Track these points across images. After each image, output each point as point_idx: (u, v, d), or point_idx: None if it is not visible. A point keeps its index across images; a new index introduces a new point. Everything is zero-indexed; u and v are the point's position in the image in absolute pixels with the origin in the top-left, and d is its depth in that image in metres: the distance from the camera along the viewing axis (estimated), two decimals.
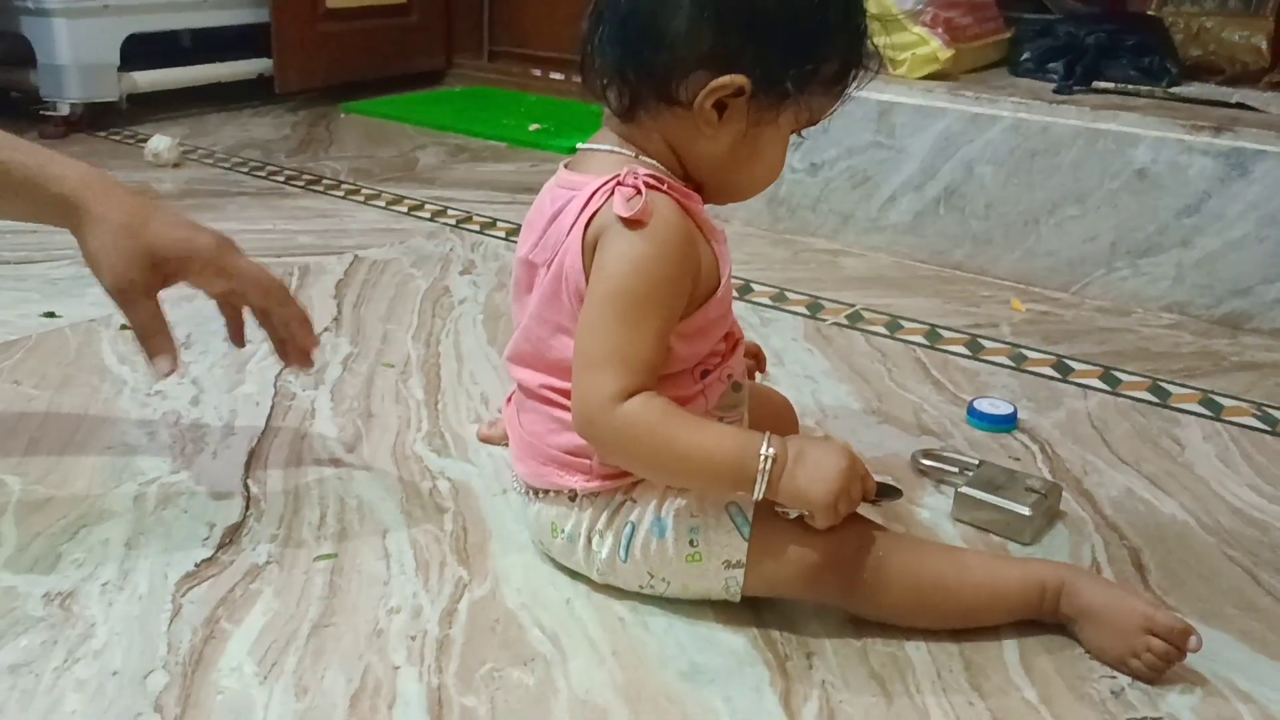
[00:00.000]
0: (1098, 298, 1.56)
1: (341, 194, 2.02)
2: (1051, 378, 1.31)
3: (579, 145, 0.84)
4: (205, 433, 1.10)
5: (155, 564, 0.87)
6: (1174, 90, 1.65)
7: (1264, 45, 1.75)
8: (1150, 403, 1.24)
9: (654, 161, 0.79)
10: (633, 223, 0.74)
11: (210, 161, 2.23)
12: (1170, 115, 1.51)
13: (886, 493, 0.82)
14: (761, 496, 0.75)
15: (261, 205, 1.93)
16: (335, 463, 1.05)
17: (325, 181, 2.10)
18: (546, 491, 0.85)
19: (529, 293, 0.82)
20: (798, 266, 1.69)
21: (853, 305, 1.52)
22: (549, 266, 0.79)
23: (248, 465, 1.04)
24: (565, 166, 0.83)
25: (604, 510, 0.82)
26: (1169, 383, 1.30)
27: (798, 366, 1.31)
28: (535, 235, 0.81)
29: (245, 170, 2.17)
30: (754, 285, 1.59)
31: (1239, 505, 1.02)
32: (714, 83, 0.74)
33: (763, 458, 0.74)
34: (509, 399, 0.91)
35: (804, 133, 0.82)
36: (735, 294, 1.54)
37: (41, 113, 2.38)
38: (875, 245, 1.73)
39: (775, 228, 1.83)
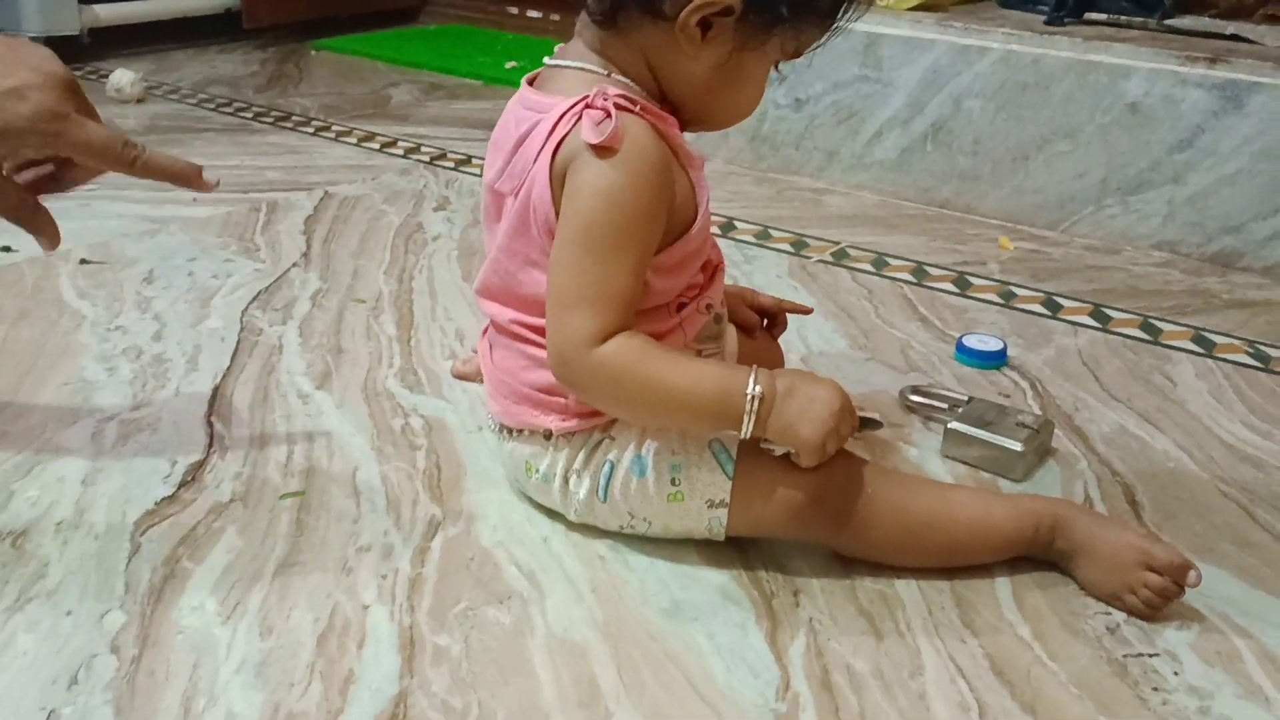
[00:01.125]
0: (1087, 236, 1.53)
1: (311, 130, 1.96)
2: (1041, 315, 1.28)
3: (546, 59, 0.78)
4: (168, 368, 1.06)
5: (113, 502, 0.84)
6: (1167, 22, 1.60)
7: None
8: (1141, 340, 1.22)
9: (627, 80, 0.74)
10: (603, 149, 0.69)
11: (176, 98, 2.16)
12: (1163, 47, 1.47)
13: (867, 424, 0.79)
14: (749, 435, 0.71)
15: (229, 141, 1.86)
16: (304, 399, 1.01)
17: (295, 118, 2.04)
18: (520, 430, 0.81)
19: (498, 221, 0.78)
20: (781, 204, 1.65)
21: (838, 243, 1.48)
22: (516, 195, 0.75)
23: (212, 401, 1.00)
24: (530, 84, 0.78)
25: (581, 449, 0.79)
26: (1160, 320, 1.27)
27: None
28: (502, 160, 0.76)
29: (212, 106, 2.10)
30: (737, 223, 1.55)
31: (1232, 442, 1.00)
32: None
33: (749, 396, 0.70)
34: (484, 333, 0.87)
35: (783, 68, 0.78)
36: (718, 231, 1.50)
37: None
38: (861, 183, 1.69)
39: (758, 165, 1.78)
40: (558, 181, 0.72)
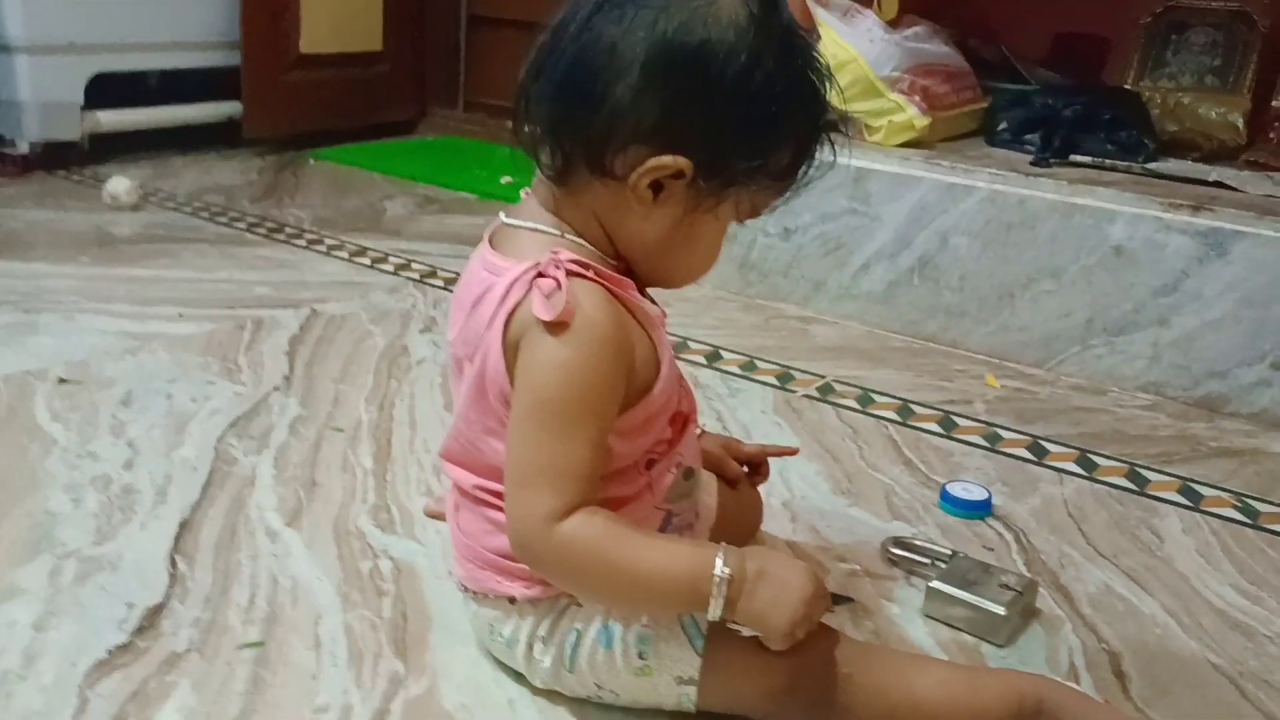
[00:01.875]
0: (1073, 375, 1.52)
1: (304, 243, 1.97)
2: (1027, 460, 1.26)
3: (503, 216, 0.77)
4: (135, 500, 1.03)
5: (65, 650, 0.81)
6: (1151, 166, 1.63)
7: (1240, 123, 1.74)
8: (1128, 490, 1.20)
9: (581, 241, 0.73)
10: (555, 325, 0.68)
11: (171, 205, 2.18)
12: (1147, 192, 1.49)
13: (839, 600, 0.77)
14: (717, 617, 0.69)
15: (219, 253, 1.87)
16: (272, 536, 0.99)
17: (288, 230, 2.05)
18: (485, 594, 0.78)
19: (461, 383, 0.76)
20: (768, 334, 1.64)
21: (824, 376, 1.47)
22: (472, 362, 0.73)
23: (177, 538, 0.97)
24: (490, 243, 0.76)
25: (546, 616, 0.76)
26: (1146, 468, 1.25)
27: (765, 441, 1.26)
28: (460, 320, 0.75)
29: (206, 215, 2.12)
30: (723, 352, 1.54)
31: (1221, 606, 0.98)
32: (652, 161, 0.67)
33: (718, 579, 0.68)
34: (451, 491, 0.85)
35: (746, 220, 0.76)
36: (703, 361, 1.50)
37: None
38: (847, 314, 1.70)
39: (746, 292, 1.79)
40: (510, 352, 0.70)
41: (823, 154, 0.74)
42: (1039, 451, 1.29)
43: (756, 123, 0.68)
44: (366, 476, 1.11)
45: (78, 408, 1.22)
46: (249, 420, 1.22)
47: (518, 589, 0.76)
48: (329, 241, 1.98)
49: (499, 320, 0.70)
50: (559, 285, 0.68)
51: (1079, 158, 1.65)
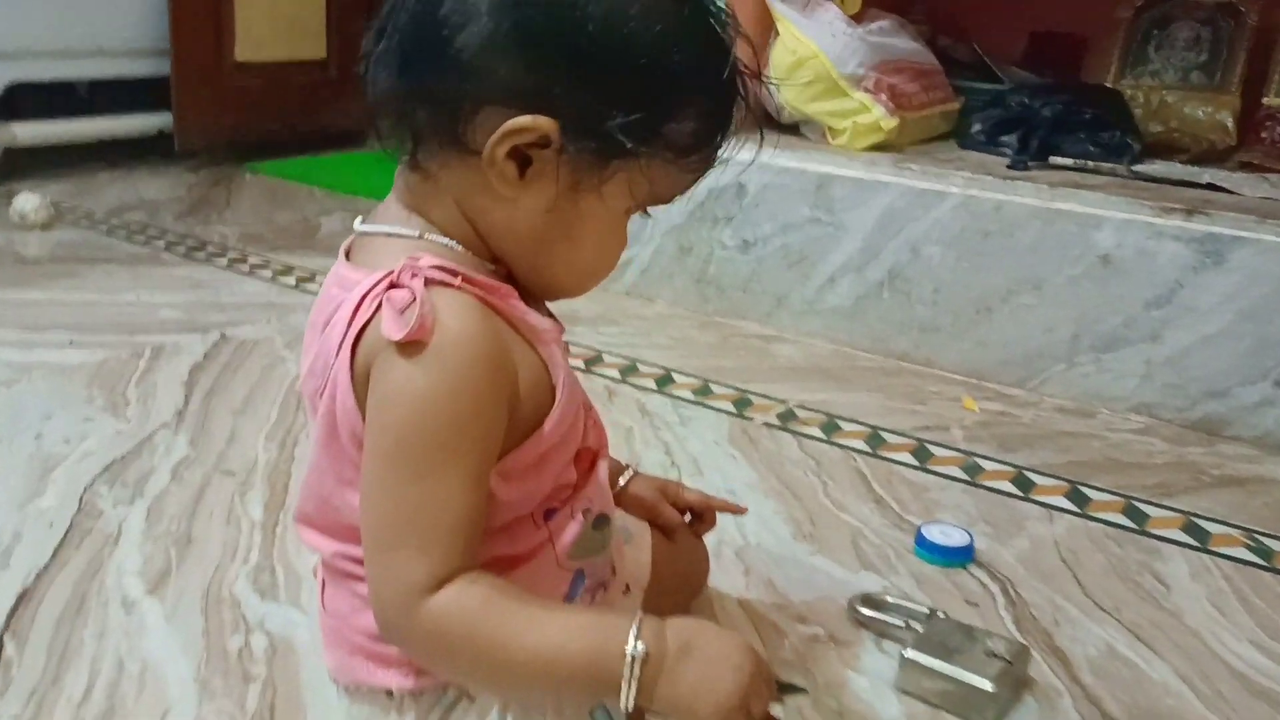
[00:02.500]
0: (1058, 395, 1.39)
1: (225, 262, 1.81)
2: (1011, 495, 1.13)
3: (358, 222, 0.63)
4: None
5: None
6: (1137, 168, 1.50)
7: (1230, 123, 1.62)
8: (1126, 528, 1.07)
9: (447, 241, 0.59)
10: (409, 346, 0.53)
11: (87, 223, 2.02)
12: (1136, 195, 1.36)
13: (788, 690, 0.62)
14: (630, 708, 0.55)
15: (129, 273, 1.71)
16: (128, 607, 0.83)
17: (210, 248, 1.89)
18: (358, 687, 0.63)
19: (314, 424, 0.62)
20: (726, 354, 1.50)
21: (785, 401, 1.33)
22: (321, 397, 0.59)
23: (12, 612, 0.82)
24: (346, 255, 0.62)
25: (431, 712, 0.61)
26: (1145, 502, 1.12)
27: (718, 476, 1.12)
28: (311, 350, 0.61)
29: (123, 233, 1.96)
30: (675, 375, 1.40)
31: (1242, 668, 0.84)
32: (508, 124, 0.54)
33: (629, 658, 0.54)
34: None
35: (654, 211, 0.62)
36: (652, 386, 1.36)
37: None
38: (812, 331, 1.56)
39: (704, 309, 1.65)
40: (361, 383, 0.56)
41: (733, 123, 0.59)
42: (1024, 484, 1.15)
43: (635, 72, 0.55)
44: (253, 530, 0.96)
45: None
46: (126, 463, 1.07)
47: (394, 679, 0.61)
48: (252, 260, 1.83)
49: (346, 344, 0.56)
50: (414, 297, 0.53)
51: (1059, 160, 1.52)
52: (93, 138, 2.44)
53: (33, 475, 1.03)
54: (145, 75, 2.47)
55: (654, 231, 1.65)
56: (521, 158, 0.55)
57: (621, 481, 0.82)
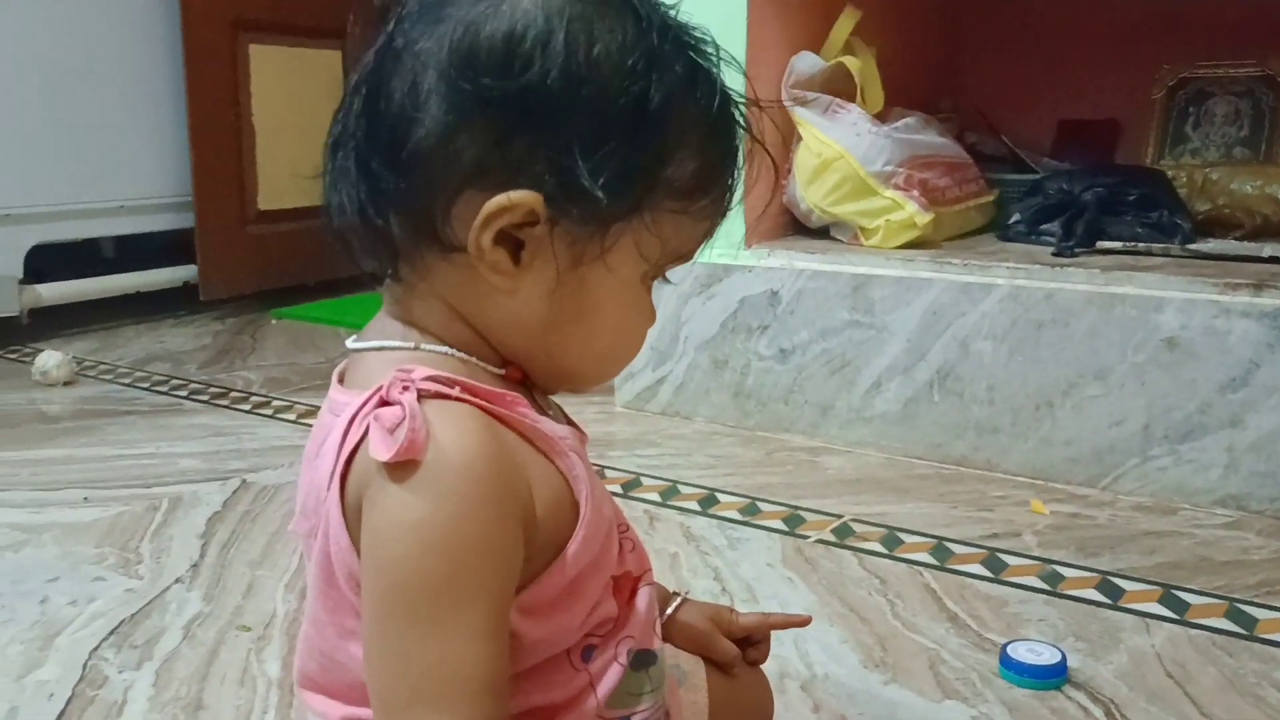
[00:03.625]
0: (1134, 493, 1.29)
1: (248, 408, 1.76)
2: (1100, 604, 1.02)
3: (348, 342, 0.56)
4: None
5: None
6: (1191, 247, 1.43)
7: None
8: (1234, 634, 0.96)
9: (444, 349, 0.52)
10: (401, 467, 0.46)
11: (110, 377, 1.98)
12: (1196, 274, 1.28)
13: None
14: None
15: (149, 425, 1.66)
16: None
17: (233, 394, 1.85)
18: None
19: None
20: (772, 469, 1.42)
21: (840, 516, 1.24)
22: (315, 538, 0.52)
23: None
24: (338, 377, 0.56)
25: None
26: (1249, 603, 1.01)
27: (775, 603, 1.03)
28: (304, 486, 0.54)
29: (146, 386, 1.92)
30: (719, 495, 1.31)
31: None
32: (487, 207, 0.48)
33: None
34: None
35: (673, 274, 0.56)
36: (695, 507, 1.27)
37: None
38: (861, 440, 1.47)
39: (744, 424, 1.57)
40: (354, 518, 0.49)
41: (739, 158, 0.54)
42: (1112, 591, 1.04)
43: (612, 120, 0.49)
44: (270, 690, 0.87)
45: None
46: (136, 624, 0.99)
47: None
48: (276, 403, 1.78)
49: (336, 474, 0.48)
50: (405, 412, 0.46)
51: (1107, 244, 1.45)
52: (116, 293, 2.44)
53: (34, 644, 0.95)
54: (170, 229, 2.49)
55: (686, 346, 1.59)
56: (512, 242, 0.49)
57: (669, 610, 0.73)
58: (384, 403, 0.47)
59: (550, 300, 0.51)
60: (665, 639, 0.70)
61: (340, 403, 0.51)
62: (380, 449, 0.46)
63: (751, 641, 0.77)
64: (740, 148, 0.54)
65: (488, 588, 0.47)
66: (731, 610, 0.77)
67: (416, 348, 0.52)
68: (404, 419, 0.46)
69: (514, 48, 0.48)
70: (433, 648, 0.46)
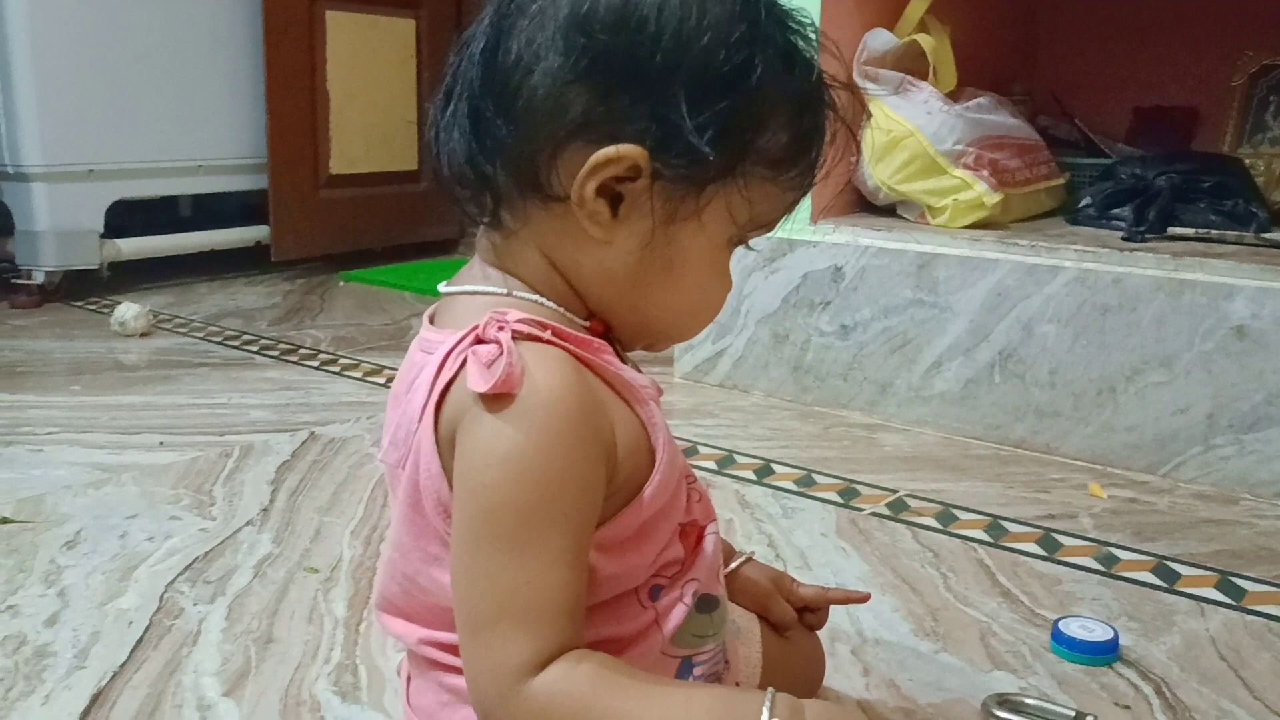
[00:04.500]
0: (1195, 481, 1.28)
1: (316, 364, 1.81)
2: (1155, 586, 1.02)
3: (441, 286, 0.59)
4: (48, 666, 0.84)
5: None
6: (1265, 236, 1.41)
7: None
8: None
9: (535, 297, 0.55)
10: (497, 399, 0.49)
11: (184, 330, 2.04)
12: (1269, 262, 1.27)
13: None
14: None
15: (222, 376, 1.71)
16: (203, 710, 0.78)
17: (302, 351, 1.89)
18: None
19: (396, 500, 0.57)
20: (828, 444, 1.43)
21: (895, 491, 1.25)
22: (404, 468, 0.54)
23: (85, 713, 0.77)
24: (428, 318, 0.59)
25: None
26: None
27: (828, 571, 1.04)
28: (394, 420, 0.56)
29: (219, 339, 1.97)
30: (775, 466, 1.33)
31: None
32: (595, 157, 0.51)
33: None
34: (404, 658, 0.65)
35: (754, 244, 0.59)
36: (752, 477, 1.28)
37: (14, 281, 2.23)
38: (919, 419, 1.48)
39: (802, 399, 1.58)
40: (447, 447, 0.52)
41: (828, 135, 0.56)
42: (1168, 575, 1.04)
43: (716, 85, 0.51)
44: (336, 628, 0.91)
45: (14, 551, 1.04)
46: (210, 561, 1.03)
47: None
48: (344, 361, 1.82)
49: (431, 404, 0.51)
50: (502, 349, 0.49)
51: (1179, 231, 1.44)
52: (192, 250, 2.50)
53: (114, 575, 1.00)
54: (245, 189, 2.54)
55: (747, 320, 1.60)
56: (612, 194, 0.52)
57: (734, 565, 0.75)
58: (479, 341, 0.50)
59: (642, 254, 0.54)
60: (727, 593, 0.72)
61: (433, 341, 0.54)
62: (478, 381, 0.48)
63: (810, 610, 0.79)
64: (826, 126, 0.56)
65: (571, 518, 0.49)
66: (793, 579, 0.78)
67: (509, 293, 0.54)
68: (501, 354, 0.48)
69: (631, 9, 0.51)
70: (518, 570, 0.48)
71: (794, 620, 0.76)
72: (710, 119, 0.51)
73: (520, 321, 0.51)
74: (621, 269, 0.54)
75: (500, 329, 0.50)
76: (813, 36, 0.55)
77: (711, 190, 0.53)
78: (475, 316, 0.52)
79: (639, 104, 0.51)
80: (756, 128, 0.53)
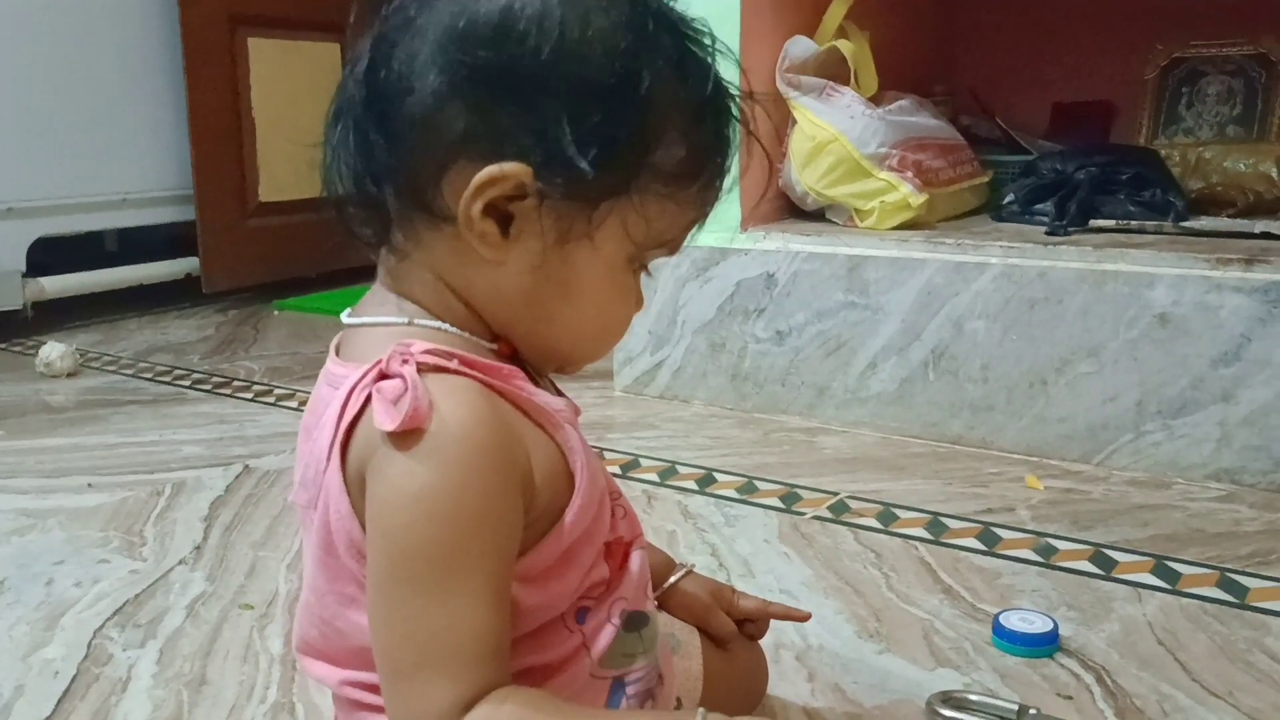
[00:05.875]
0: (1128, 468, 1.30)
1: (250, 395, 1.77)
2: (1093, 575, 1.03)
3: (343, 315, 0.57)
4: None
5: None
6: (1184, 224, 1.44)
7: (1275, 172, 1.55)
8: (1225, 603, 0.97)
9: (437, 324, 0.53)
10: (404, 437, 0.48)
11: (113, 368, 2.00)
12: (1188, 250, 1.29)
13: None
14: None
15: (153, 413, 1.67)
16: None
17: (235, 384, 1.86)
18: None
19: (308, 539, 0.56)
20: (769, 450, 1.43)
21: (836, 494, 1.25)
22: (315, 509, 0.53)
23: None
24: (334, 349, 0.57)
25: None
26: (1241, 573, 1.02)
27: (771, 577, 1.04)
28: (303, 457, 0.55)
29: (149, 376, 1.93)
30: (716, 475, 1.32)
31: None
32: (477, 177, 0.49)
33: None
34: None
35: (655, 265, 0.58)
36: (693, 486, 1.28)
37: None
38: (857, 420, 1.48)
39: (741, 406, 1.58)
40: (356, 487, 0.50)
41: (729, 148, 0.55)
42: (1105, 563, 1.06)
43: (603, 98, 0.50)
44: (272, 666, 0.89)
45: None
46: (140, 604, 1.00)
47: None
48: (279, 391, 1.79)
49: (336, 445, 0.50)
50: (407, 384, 0.48)
51: (1100, 223, 1.46)
52: (119, 285, 2.45)
53: (39, 625, 0.97)
54: (172, 221, 2.50)
55: (684, 330, 1.60)
56: (502, 214, 0.50)
57: (672, 579, 0.74)
58: (383, 376, 0.49)
59: (536, 275, 0.52)
60: (664, 608, 0.72)
61: (338, 375, 0.52)
62: (384, 419, 0.47)
63: (750, 620, 0.78)
64: (732, 140, 0.55)
65: (490, 554, 0.48)
66: (734, 590, 0.78)
67: (410, 322, 0.53)
68: (406, 390, 0.47)
69: (509, 22, 0.49)
70: (438, 614, 0.47)
71: (734, 633, 0.75)
72: (595, 135, 0.49)
73: (426, 353, 0.49)
74: (515, 290, 0.53)
75: (404, 362, 0.49)
76: (709, 44, 0.54)
77: (605, 209, 0.51)
78: (379, 348, 0.51)
79: (521, 121, 0.49)
80: (647, 142, 0.51)
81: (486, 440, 0.48)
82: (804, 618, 0.80)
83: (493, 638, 0.48)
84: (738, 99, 0.55)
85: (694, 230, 0.57)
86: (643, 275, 0.58)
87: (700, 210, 0.56)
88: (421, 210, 0.51)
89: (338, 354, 0.56)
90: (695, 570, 0.77)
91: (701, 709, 0.50)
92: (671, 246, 0.56)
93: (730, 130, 0.55)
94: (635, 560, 0.59)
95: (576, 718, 0.49)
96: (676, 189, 0.53)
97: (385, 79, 0.51)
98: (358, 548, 0.50)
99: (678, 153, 0.52)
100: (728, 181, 0.56)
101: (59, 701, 0.84)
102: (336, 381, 0.52)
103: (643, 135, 0.51)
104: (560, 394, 0.58)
